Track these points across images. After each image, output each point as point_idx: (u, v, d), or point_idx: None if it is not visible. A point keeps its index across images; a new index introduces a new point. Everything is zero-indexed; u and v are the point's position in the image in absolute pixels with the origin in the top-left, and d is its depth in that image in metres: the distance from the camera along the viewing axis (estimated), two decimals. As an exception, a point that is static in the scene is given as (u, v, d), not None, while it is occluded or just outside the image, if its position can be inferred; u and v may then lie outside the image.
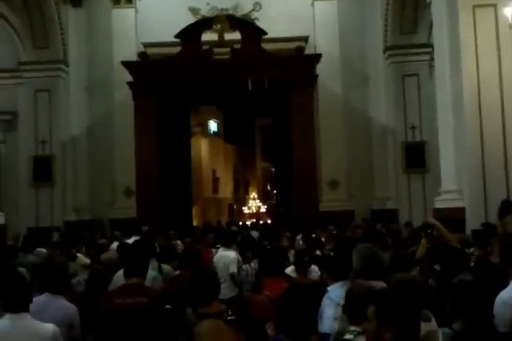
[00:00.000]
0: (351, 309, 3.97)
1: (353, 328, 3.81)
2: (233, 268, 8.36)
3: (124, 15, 18.75)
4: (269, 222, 22.73)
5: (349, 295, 4.11)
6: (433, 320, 4.13)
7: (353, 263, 4.57)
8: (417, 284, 4.43)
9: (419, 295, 4.21)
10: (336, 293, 4.66)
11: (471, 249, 7.44)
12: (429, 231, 7.01)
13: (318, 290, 5.38)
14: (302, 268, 6.49)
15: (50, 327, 4.14)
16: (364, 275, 4.41)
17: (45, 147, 17.93)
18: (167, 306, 4.96)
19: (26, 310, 4.12)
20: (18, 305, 4.08)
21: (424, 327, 4.06)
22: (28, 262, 8.02)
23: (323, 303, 4.73)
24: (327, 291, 4.83)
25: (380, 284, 4.21)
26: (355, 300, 3.90)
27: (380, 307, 2.92)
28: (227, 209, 35.42)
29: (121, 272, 5.56)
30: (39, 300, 4.69)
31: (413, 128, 17.15)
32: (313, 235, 11.46)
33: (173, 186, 17.74)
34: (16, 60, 18.32)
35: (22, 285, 4.18)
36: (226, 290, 7.65)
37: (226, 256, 8.61)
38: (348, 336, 3.80)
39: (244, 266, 8.60)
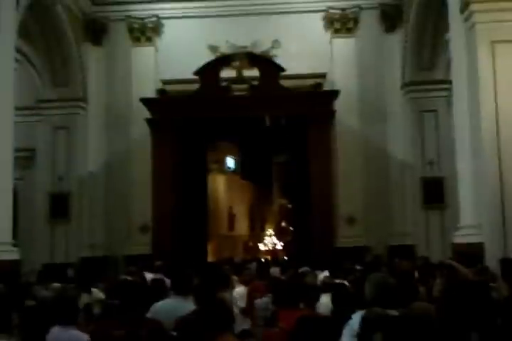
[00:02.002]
0: (365, 336, 3.93)
1: None
2: (242, 303, 8.41)
3: (143, 53, 18.92)
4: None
5: (363, 323, 4.06)
6: None
7: (366, 293, 4.52)
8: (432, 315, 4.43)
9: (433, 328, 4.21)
10: (357, 320, 4.60)
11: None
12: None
13: (331, 322, 5.35)
14: (310, 303, 6.38)
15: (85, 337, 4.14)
16: (377, 304, 4.33)
17: (63, 183, 17.96)
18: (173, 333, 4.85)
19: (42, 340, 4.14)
20: (35, 335, 4.22)
21: None
22: (41, 296, 8.00)
23: (343, 332, 4.69)
24: (350, 319, 4.75)
25: (393, 313, 4.13)
26: (369, 327, 3.86)
27: (386, 336, 2.87)
28: (242, 246, 35.24)
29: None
30: (50, 333, 4.64)
31: (431, 163, 17.07)
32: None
33: (189, 223, 17.61)
34: (35, 98, 18.47)
35: (40, 316, 4.27)
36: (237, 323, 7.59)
37: (236, 291, 8.60)
38: None
39: (258, 300, 8.57)
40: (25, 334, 4.18)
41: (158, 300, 6.35)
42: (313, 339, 3.94)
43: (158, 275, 10.70)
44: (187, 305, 5.71)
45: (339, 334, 4.73)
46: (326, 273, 10.96)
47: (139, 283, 5.24)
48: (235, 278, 10.17)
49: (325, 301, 7.36)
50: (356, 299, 5.39)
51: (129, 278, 9.98)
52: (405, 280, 7.44)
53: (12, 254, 12.59)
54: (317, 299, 6.62)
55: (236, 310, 8.09)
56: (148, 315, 5.89)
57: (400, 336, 2.85)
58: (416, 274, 9.53)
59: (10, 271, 11.31)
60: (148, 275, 11.44)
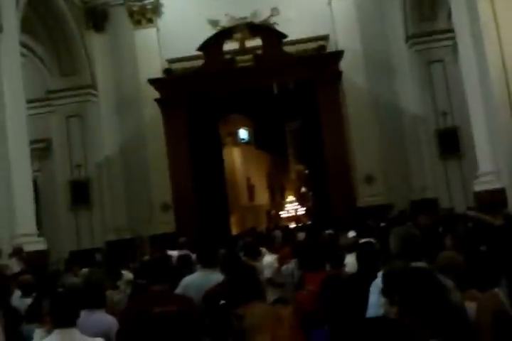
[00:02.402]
0: (389, 291, 3.90)
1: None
2: (268, 273, 8.25)
3: (146, 34, 18.92)
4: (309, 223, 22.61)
5: (384, 278, 4.07)
6: None
7: (391, 247, 4.44)
8: (458, 264, 4.43)
9: (462, 276, 4.24)
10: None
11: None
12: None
13: (355, 281, 5.36)
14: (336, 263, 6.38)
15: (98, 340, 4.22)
16: (403, 258, 4.26)
17: (81, 170, 18.17)
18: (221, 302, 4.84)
19: (73, 325, 4.22)
20: (66, 320, 4.18)
21: (471, 306, 4.03)
22: (69, 282, 8.10)
23: (371, 289, 4.69)
24: (376, 277, 4.72)
25: (420, 265, 4.06)
26: (391, 282, 3.87)
27: (402, 295, 2.81)
28: (265, 215, 35.32)
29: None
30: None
31: (444, 114, 16.90)
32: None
33: (209, 197, 17.72)
34: (45, 89, 18.56)
35: (70, 302, 4.27)
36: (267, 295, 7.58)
37: (266, 261, 8.59)
38: None
39: (284, 267, 8.55)
40: (56, 320, 4.20)
41: (184, 275, 6.37)
42: (339, 297, 3.95)
43: (184, 252, 10.77)
44: (215, 277, 5.73)
45: (364, 292, 4.74)
46: (352, 234, 11.01)
47: (161, 260, 5.24)
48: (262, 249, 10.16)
49: (351, 261, 7.33)
50: (381, 256, 5.37)
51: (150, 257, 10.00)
52: (428, 233, 7.46)
53: (38, 245, 12.76)
54: (343, 260, 6.57)
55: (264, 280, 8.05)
56: (178, 289, 5.94)
57: (415, 296, 2.80)
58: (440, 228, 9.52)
59: (37, 262, 11.42)
60: (173, 253, 11.50)
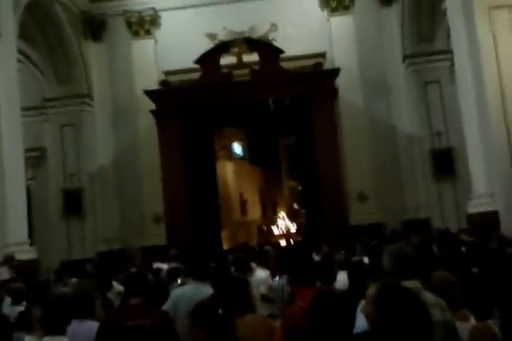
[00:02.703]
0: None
1: None
2: (264, 290, 8.17)
3: (143, 46, 18.92)
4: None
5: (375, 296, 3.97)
6: (472, 319, 4.05)
7: (384, 264, 4.37)
8: (451, 283, 4.41)
9: (456, 295, 4.23)
10: None
11: None
12: None
13: (347, 297, 5.30)
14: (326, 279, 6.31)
15: None
16: (396, 276, 4.18)
17: (74, 180, 18.07)
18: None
19: (63, 333, 4.22)
20: (57, 328, 4.19)
21: (463, 326, 3.96)
22: (59, 292, 8.00)
23: (358, 311, 4.61)
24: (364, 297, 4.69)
25: (413, 284, 3.96)
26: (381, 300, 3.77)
27: (379, 311, 2.84)
28: (256, 231, 35.18)
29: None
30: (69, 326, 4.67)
31: (439, 134, 16.91)
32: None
33: (202, 211, 17.62)
34: (40, 97, 18.52)
35: (61, 310, 4.27)
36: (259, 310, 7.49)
37: (258, 276, 8.45)
38: None
39: (274, 282, 8.45)
40: (47, 328, 4.22)
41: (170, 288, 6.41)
42: (331, 313, 3.86)
43: (173, 264, 10.73)
44: (206, 290, 5.72)
45: (355, 309, 4.68)
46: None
47: (138, 274, 5.31)
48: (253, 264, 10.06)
49: (342, 279, 7.32)
50: (373, 274, 5.29)
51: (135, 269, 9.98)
52: (421, 252, 7.40)
53: (29, 254, 12.68)
54: (334, 277, 6.51)
55: (258, 295, 7.97)
56: (169, 301, 6.01)
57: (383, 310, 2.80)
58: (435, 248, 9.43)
59: (28, 270, 11.33)
60: (163, 266, 11.41)
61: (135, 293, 4.94)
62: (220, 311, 4.42)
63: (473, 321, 4.09)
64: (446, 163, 16.61)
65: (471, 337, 3.87)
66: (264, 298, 8.10)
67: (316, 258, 9.91)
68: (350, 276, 6.05)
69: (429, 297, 3.89)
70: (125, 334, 4.40)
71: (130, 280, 5.13)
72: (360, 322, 4.45)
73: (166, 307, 5.99)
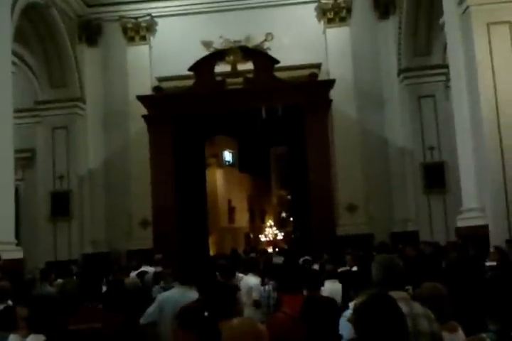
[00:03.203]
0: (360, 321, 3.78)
1: None
2: (256, 296, 8.22)
3: (138, 51, 18.88)
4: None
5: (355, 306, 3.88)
6: (460, 330, 4.01)
7: (373, 275, 4.29)
8: (441, 295, 4.33)
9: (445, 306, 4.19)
10: None
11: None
12: None
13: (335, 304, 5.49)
14: (314, 286, 6.28)
15: None
16: (384, 286, 4.09)
17: (63, 182, 18.03)
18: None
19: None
20: (43, 326, 4.19)
21: (450, 337, 3.87)
22: (45, 291, 8.02)
23: (340, 323, 4.52)
24: (348, 308, 4.62)
25: (400, 294, 3.90)
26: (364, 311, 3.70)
27: (358, 319, 2.91)
28: (243, 238, 35.13)
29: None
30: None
31: (431, 148, 16.87)
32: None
33: (189, 217, 17.49)
34: (33, 99, 18.50)
35: (47, 308, 4.29)
36: (251, 316, 7.43)
37: (250, 283, 8.47)
38: None
39: (261, 288, 8.42)
40: (33, 326, 4.24)
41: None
42: (319, 318, 3.84)
43: (159, 268, 10.85)
44: (192, 295, 5.75)
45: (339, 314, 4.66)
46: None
47: (93, 280, 5.33)
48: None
49: (328, 287, 7.33)
50: (360, 285, 5.19)
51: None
52: (414, 264, 7.39)
53: (15, 253, 12.61)
54: (321, 285, 6.52)
55: (249, 302, 7.96)
56: (155, 304, 6.09)
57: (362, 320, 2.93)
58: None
59: (13, 270, 11.25)
60: (150, 269, 11.43)
61: (89, 297, 5.00)
62: (206, 314, 4.36)
63: (461, 333, 4.05)
64: (437, 176, 16.58)
65: None
66: (257, 304, 8.15)
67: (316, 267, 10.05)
68: (343, 287, 6.03)
69: (416, 307, 3.85)
70: (71, 338, 4.44)
71: (83, 286, 5.20)
72: (346, 331, 4.39)
73: (151, 309, 6.08)
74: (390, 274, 4.18)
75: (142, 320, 6.05)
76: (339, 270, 9.02)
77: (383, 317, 2.83)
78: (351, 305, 4.49)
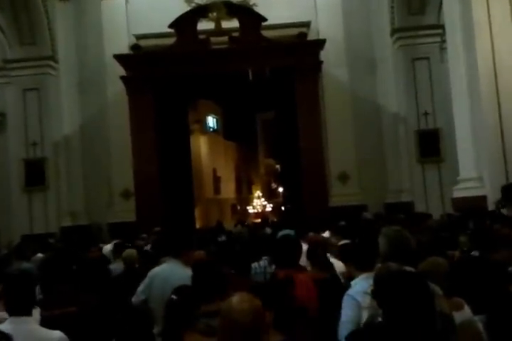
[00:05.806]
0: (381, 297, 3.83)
1: None
2: None
3: (113, 6, 18.55)
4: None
5: (376, 280, 3.96)
6: (466, 307, 3.97)
7: (380, 248, 4.36)
8: (445, 270, 4.32)
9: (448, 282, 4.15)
10: (359, 287, 4.38)
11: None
12: None
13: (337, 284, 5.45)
14: (317, 262, 6.36)
15: (56, 334, 4.00)
16: (392, 260, 4.10)
17: (37, 149, 17.83)
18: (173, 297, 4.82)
19: (29, 314, 4.04)
20: (21, 308, 4.02)
21: (456, 315, 3.92)
22: (22, 267, 7.98)
23: (343, 303, 4.52)
24: (349, 286, 4.59)
25: (409, 269, 3.93)
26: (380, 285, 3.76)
27: (377, 291, 3.02)
28: (230, 209, 35.25)
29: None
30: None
31: (426, 114, 16.88)
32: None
33: (173, 187, 17.52)
34: (1, 58, 18.23)
35: (24, 287, 4.10)
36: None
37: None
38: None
39: (253, 265, 8.47)
40: (10, 308, 4.06)
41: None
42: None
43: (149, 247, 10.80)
44: (182, 271, 5.72)
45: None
46: (327, 234, 10.91)
47: (65, 260, 5.34)
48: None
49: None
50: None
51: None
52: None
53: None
54: (331, 264, 6.61)
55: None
56: (146, 279, 6.15)
57: (388, 295, 2.95)
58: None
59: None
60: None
61: (63, 279, 4.93)
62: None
63: (467, 309, 3.98)
64: (431, 144, 16.63)
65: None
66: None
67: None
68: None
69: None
70: (52, 323, 4.27)
71: (56, 266, 5.08)
72: (346, 319, 4.38)
73: (142, 287, 6.15)
74: (397, 249, 4.23)
75: (134, 299, 6.14)
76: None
77: (411, 291, 2.90)
78: (353, 283, 4.59)
